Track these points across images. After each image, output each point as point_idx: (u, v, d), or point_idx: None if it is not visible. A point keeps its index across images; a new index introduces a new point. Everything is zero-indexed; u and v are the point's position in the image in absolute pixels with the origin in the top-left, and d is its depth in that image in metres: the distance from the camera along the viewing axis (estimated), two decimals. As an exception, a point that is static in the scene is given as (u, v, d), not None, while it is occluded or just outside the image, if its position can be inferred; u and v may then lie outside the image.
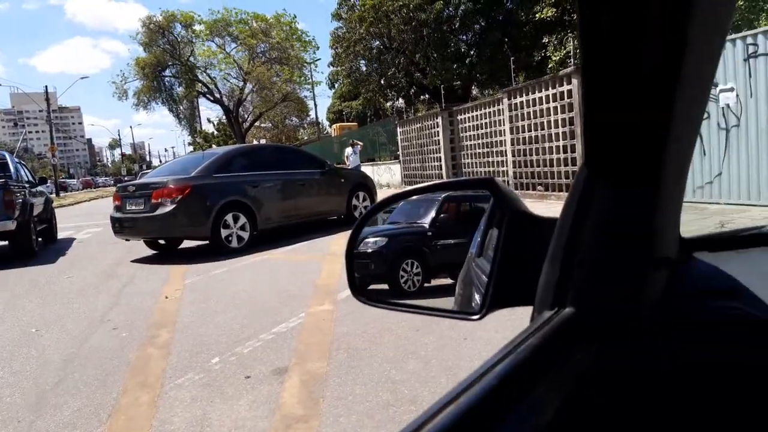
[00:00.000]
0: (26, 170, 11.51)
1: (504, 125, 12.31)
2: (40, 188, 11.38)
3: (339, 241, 8.44)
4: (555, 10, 17.18)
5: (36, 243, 9.60)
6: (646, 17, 0.47)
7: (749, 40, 7.08)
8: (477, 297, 1.10)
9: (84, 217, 17.06)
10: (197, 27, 40.46)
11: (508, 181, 12.33)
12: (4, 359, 4.04)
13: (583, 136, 0.58)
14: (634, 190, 0.57)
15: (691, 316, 0.62)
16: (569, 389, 0.52)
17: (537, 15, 17.74)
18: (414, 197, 1.21)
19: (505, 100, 12.09)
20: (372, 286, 1.25)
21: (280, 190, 9.11)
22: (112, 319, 4.92)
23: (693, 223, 6.51)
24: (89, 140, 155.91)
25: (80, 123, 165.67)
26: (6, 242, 9.07)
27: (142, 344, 4.14)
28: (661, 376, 0.57)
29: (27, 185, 10.14)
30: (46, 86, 41.09)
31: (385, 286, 1.34)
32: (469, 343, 3.53)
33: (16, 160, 11.23)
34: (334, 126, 39.22)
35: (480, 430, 0.42)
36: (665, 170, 0.55)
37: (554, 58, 17.39)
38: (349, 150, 18.21)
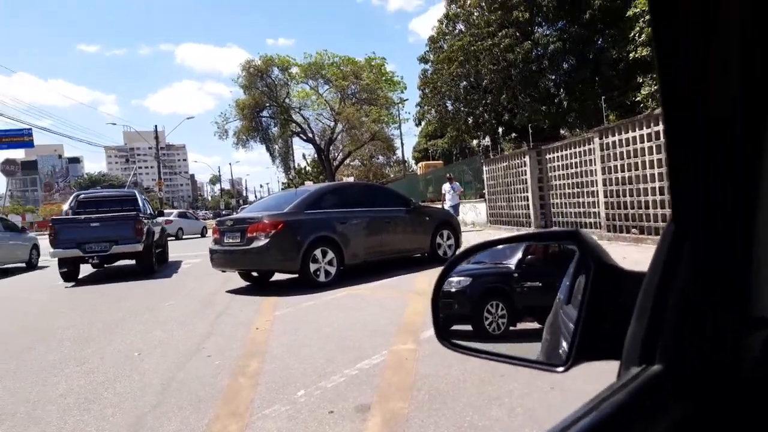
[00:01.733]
0: (148, 205, 14.29)
1: (595, 165, 11.93)
2: (157, 219, 13.99)
3: (423, 279, 8.45)
4: (650, 49, 16.62)
5: (154, 263, 12.12)
6: (729, 60, 0.47)
7: None
8: (564, 345, 1.09)
9: (185, 248, 18.17)
10: (293, 70, 42.73)
11: (600, 223, 11.86)
12: (109, 380, 4.36)
13: (669, 189, 0.58)
14: (725, 245, 0.56)
15: None
16: None
17: (631, 54, 17.21)
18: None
19: (597, 140, 11.74)
20: (456, 327, 1.26)
21: (367, 227, 9.31)
22: (207, 347, 5.19)
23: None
24: (192, 176, 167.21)
25: (185, 159, 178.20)
26: (134, 261, 11.82)
27: (234, 373, 4.33)
28: None
29: (149, 217, 12.64)
30: (156, 125, 44.77)
31: (470, 328, 1.34)
32: (557, 393, 3.40)
33: (143, 196, 14.22)
34: (420, 164, 39.67)
35: None
36: (758, 223, 0.54)
37: (643, 92, 16.72)
38: (446, 186, 17.43)
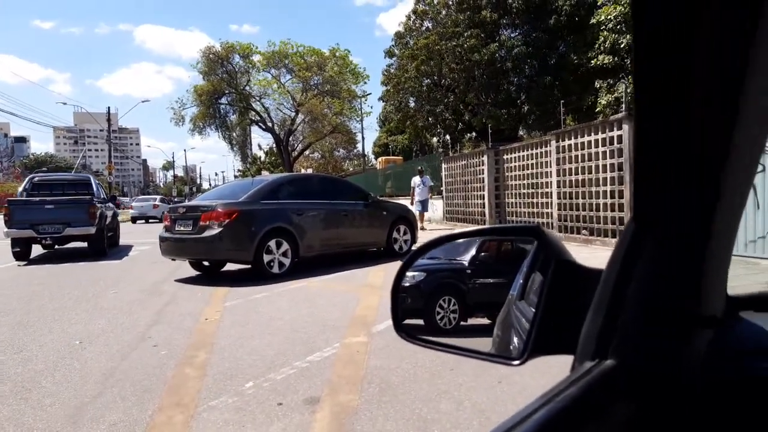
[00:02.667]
0: (102, 189, 14.68)
1: (551, 167, 12.20)
2: (110, 204, 14.22)
3: (377, 273, 8.46)
4: (611, 57, 17.03)
5: (106, 245, 12.55)
6: (700, 68, 0.48)
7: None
8: (516, 341, 1.09)
9: (134, 235, 17.62)
10: (255, 58, 42.00)
11: (552, 224, 12.14)
12: (49, 369, 4.17)
13: (632, 189, 0.59)
14: (681, 244, 0.57)
15: (735, 375, 0.61)
16: None
17: (592, 62, 17.60)
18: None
19: (554, 143, 12.00)
20: (408, 321, 1.25)
21: (324, 219, 9.25)
22: (152, 337, 5.04)
23: (743, 278, 6.24)
24: (144, 161, 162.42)
25: (137, 144, 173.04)
26: (86, 244, 12.13)
27: (180, 363, 4.22)
28: None
29: (102, 201, 12.98)
30: (109, 107, 43.19)
31: (422, 322, 1.34)
32: (504, 387, 3.46)
33: (97, 181, 14.63)
34: (379, 159, 39.70)
35: None
36: (714, 224, 0.55)
37: (602, 102, 17.19)
38: (416, 180, 16.33)
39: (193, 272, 8.98)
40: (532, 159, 13.31)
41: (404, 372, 3.81)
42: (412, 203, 15.58)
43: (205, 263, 9.03)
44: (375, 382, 3.64)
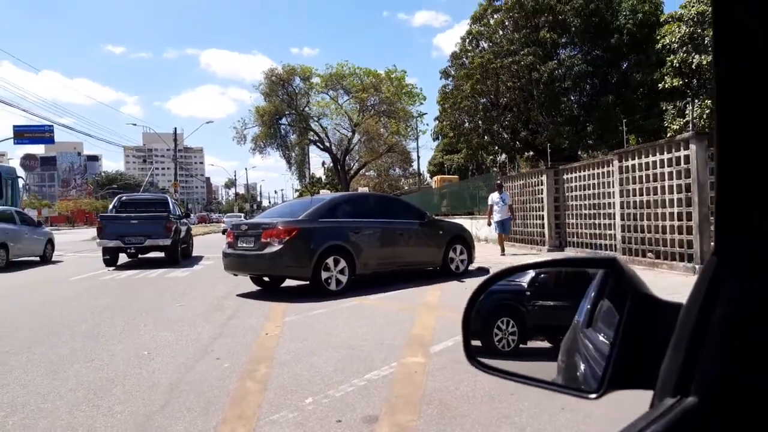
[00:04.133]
0: (177, 207, 17.15)
1: (613, 187, 11.84)
2: (184, 220, 16.55)
3: (433, 292, 8.41)
4: (680, 80, 16.42)
5: (179, 255, 14.56)
6: None
7: None
8: (583, 368, 1.07)
9: (198, 250, 18.26)
10: (314, 80, 43.11)
11: (615, 246, 11.74)
12: (119, 378, 4.37)
13: (715, 226, 0.58)
14: (765, 281, 0.56)
15: None
16: None
17: (660, 85, 17.04)
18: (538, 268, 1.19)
19: (616, 162, 11.66)
20: (475, 343, 1.24)
21: (380, 238, 9.31)
22: (215, 350, 5.19)
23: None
24: (208, 179, 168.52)
25: (201, 163, 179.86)
26: (163, 253, 14.32)
27: (242, 377, 4.32)
28: None
29: (177, 217, 15.06)
30: (175, 128, 45.29)
31: (479, 343, 1.33)
32: (567, 414, 3.36)
33: (173, 200, 17.36)
34: (435, 178, 39.65)
35: None
36: None
37: (674, 127, 16.58)
38: (494, 196, 14.41)
39: (254, 287, 9.21)
40: (593, 179, 12.96)
41: (463, 394, 3.76)
42: (489, 223, 14.62)
43: (266, 279, 9.26)
44: (434, 403, 3.61)
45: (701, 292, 0.60)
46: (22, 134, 38.73)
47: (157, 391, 4.02)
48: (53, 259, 16.19)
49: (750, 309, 0.57)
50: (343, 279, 8.57)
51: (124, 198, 16.52)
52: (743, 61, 0.48)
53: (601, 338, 0.98)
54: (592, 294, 1.14)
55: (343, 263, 8.59)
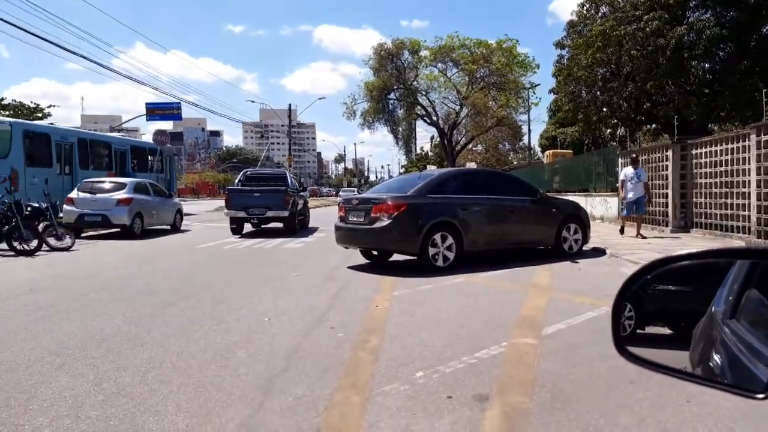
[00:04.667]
0: (295, 181, 18.70)
1: (749, 164, 10.72)
2: (302, 193, 18.07)
3: (543, 273, 8.17)
4: None
5: (297, 226, 15.88)
6: None
7: None
8: (718, 359, 0.98)
9: (313, 222, 19.11)
10: (423, 53, 42.81)
11: (749, 228, 10.69)
12: (243, 341, 4.69)
13: None
14: None
15: None
16: None
17: None
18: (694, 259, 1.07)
19: (753, 137, 10.52)
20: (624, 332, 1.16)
21: (489, 215, 9.16)
22: (330, 319, 5.42)
23: None
24: (319, 154, 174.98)
25: (313, 138, 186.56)
26: (281, 224, 15.68)
27: (355, 347, 4.48)
28: None
29: (295, 191, 16.49)
30: (290, 104, 47.11)
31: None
32: (693, 407, 3.14)
33: (291, 174, 18.85)
34: (546, 152, 38.18)
35: None
36: None
37: None
38: (628, 171, 12.87)
39: (363, 260, 9.47)
40: (726, 155, 11.80)
41: (578, 379, 3.64)
42: (622, 201, 13.14)
43: (374, 252, 9.48)
44: (546, 386, 3.52)
45: None
46: (153, 111, 42.16)
47: (277, 355, 4.27)
48: (182, 228, 17.64)
49: None
50: (450, 255, 8.55)
51: (248, 173, 18.05)
52: None
53: (749, 332, 0.90)
54: (735, 284, 1.04)
55: (450, 240, 8.56)
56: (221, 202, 31.70)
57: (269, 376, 3.81)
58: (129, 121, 51.40)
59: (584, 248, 10.14)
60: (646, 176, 13.31)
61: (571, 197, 16.38)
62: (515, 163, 46.88)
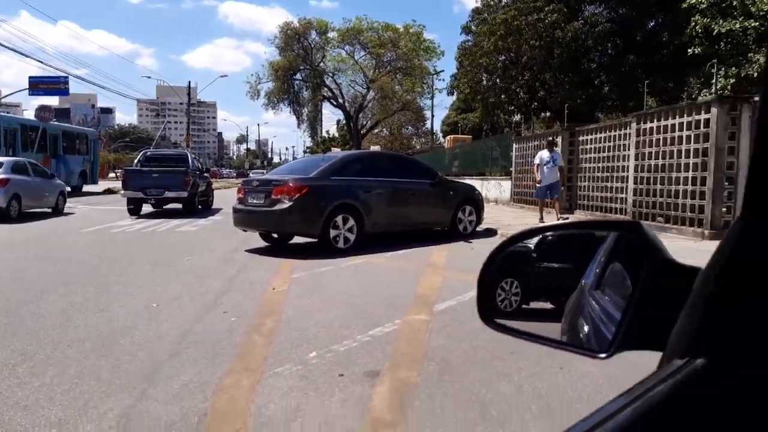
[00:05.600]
0: (199, 163, 18.45)
1: (629, 150, 11.66)
2: (205, 174, 17.96)
3: (440, 253, 8.44)
4: (710, 45, 15.67)
5: (197, 207, 15.88)
6: None
7: None
8: (587, 329, 1.07)
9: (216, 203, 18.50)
10: (330, 34, 42.34)
11: (626, 210, 11.65)
12: (128, 328, 4.45)
13: (746, 188, 0.56)
14: None
15: None
16: None
17: (689, 51, 16.33)
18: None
19: (634, 125, 11.44)
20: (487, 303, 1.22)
21: (390, 197, 9.29)
22: (223, 303, 5.27)
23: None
24: (220, 134, 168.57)
25: (214, 117, 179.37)
26: (180, 205, 15.52)
27: (249, 330, 4.40)
28: None
29: (197, 172, 16.34)
30: (189, 82, 44.77)
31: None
32: (566, 374, 3.39)
33: (193, 155, 18.59)
34: (448, 138, 39.26)
35: None
36: None
37: (702, 98, 15.99)
38: (544, 155, 12.08)
39: (262, 243, 9.29)
40: (609, 141, 12.76)
41: (464, 352, 3.81)
42: (538, 184, 12.34)
43: (274, 235, 9.32)
44: (435, 360, 3.66)
45: (725, 253, 0.58)
46: (36, 85, 38.56)
47: (165, 342, 4.11)
48: (65, 211, 16.39)
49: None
50: (351, 237, 8.60)
51: (148, 153, 18.09)
52: None
53: (609, 301, 0.97)
54: (602, 257, 1.12)
55: (351, 221, 8.61)
56: (111, 184, 29.82)
57: (154, 363, 3.65)
58: (9, 95, 46.74)
59: (477, 229, 10.58)
60: (562, 160, 12.71)
61: (468, 181, 17.01)
62: (418, 147, 47.83)
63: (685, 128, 9.87)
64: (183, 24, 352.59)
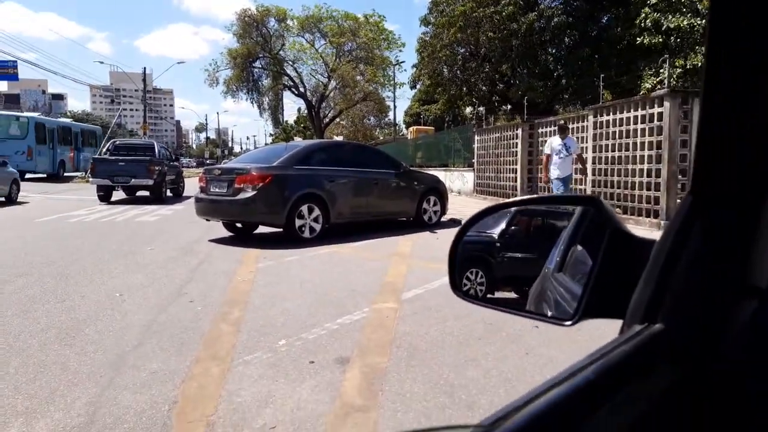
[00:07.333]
0: (167, 152, 19.59)
1: (587, 143, 11.98)
2: (174, 163, 19.45)
3: (406, 242, 8.52)
4: (661, 37, 16.23)
5: (164, 194, 16.61)
6: None
7: None
8: (549, 313, 1.12)
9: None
10: (290, 22, 41.74)
11: (584, 200, 11.97)
12: (91, 318, 4.37)
13: (694, 161, 0.61)
14: (734, 213, 0.59)
15: None
16: (649, 401, 0.56)
17: (638, 40, 16.88)
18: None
19: (591, 118, 11.77)
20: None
21: (355, 187, 9.31)
22: (188, 293, 5.22)
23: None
24: (178, 122, 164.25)
25: (171, 105, 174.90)
26: (148, 193, 16.38)
27: (215, 319, 4.37)
28: (737, 406, 0.59)
29: (165, 161, 17.25)
30: (144, 68, 43.61)
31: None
32: (531, 359, 3.51)
33: (161, 145, 19.77)
34: (410, 129, 39.39)
35: (560, 428, 0.47)
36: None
37: (647, 86, 16.56)
38: (555, 143, 9.81)
39: (226, 233, 9.18)
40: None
41: (432, 338, 3.89)
42: (546, 178, 10.04)
43: (238, 225, 9.22)
44: (404, 346, 3.72)
45: (674, 227, 0.63)
46: (-17, 69, 36.95)
47: (130, 331, 4.04)
48: (18, 200, 15.78)
49: (718, 243, 0.61)
50: (317, 227, 8.59)
51: (117, 142, 19.14)
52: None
53: (571, 280, 1.03)
54: (564, 242, 1.18)
55: (317, 211, 8.59)
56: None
57: (121, 352, 3.60)
58: (-51, 78, 44.40)
59: (442, 219, 10.71)
60: (578, 147, 10.44)
61: (432, 172, 17.14)
62: (381, 138, 47.80)
63: (639, 121, 10.21)
64: (137, 8, 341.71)
